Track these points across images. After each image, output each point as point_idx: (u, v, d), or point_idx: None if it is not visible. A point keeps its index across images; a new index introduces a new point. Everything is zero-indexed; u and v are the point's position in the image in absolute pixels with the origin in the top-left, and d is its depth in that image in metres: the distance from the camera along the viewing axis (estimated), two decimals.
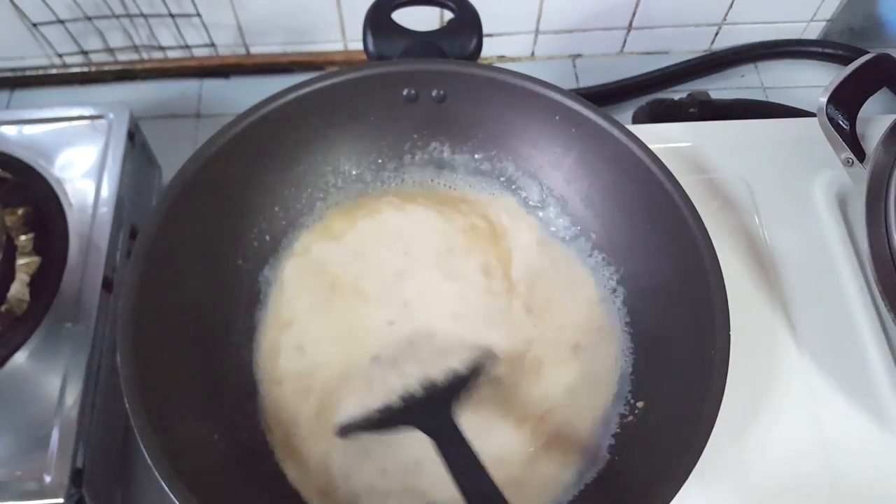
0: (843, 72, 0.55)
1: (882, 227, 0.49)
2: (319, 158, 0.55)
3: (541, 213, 0.57)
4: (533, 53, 0.84)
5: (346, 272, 0.53)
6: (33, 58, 0.75)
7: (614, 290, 0.53)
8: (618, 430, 0.48)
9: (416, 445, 0.45)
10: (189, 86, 0.79)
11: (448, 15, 0.56)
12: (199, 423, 0.44)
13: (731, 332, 0.43)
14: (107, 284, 0.52)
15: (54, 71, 0.77)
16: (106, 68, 0.78)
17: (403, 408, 0.47)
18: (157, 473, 0.37)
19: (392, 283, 0.53)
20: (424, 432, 0.44)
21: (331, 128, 0.54)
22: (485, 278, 0.54)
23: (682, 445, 0.41)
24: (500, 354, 0.51)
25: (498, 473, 0.41)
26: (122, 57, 0.77)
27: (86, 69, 0.77)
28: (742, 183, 0.60)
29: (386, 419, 0.47)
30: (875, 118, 0.58)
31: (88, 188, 0.56)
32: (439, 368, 0.49)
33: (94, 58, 0.76)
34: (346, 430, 0.48)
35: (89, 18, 0.71)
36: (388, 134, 0.56)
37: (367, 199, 0.57)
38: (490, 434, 0.48)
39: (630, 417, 0.48)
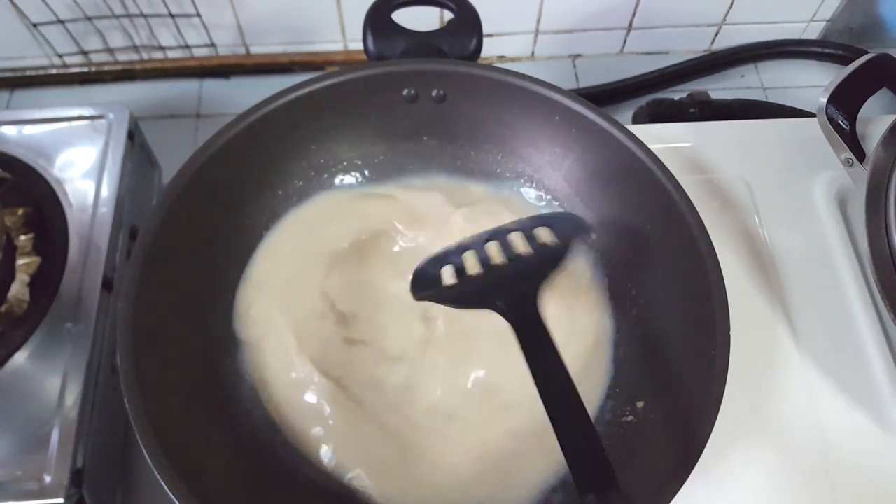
0: (843, 72, 0.55)
1: (882, 227, 0.49)
2: (320, 159, 0.55)
3: None
4: (533, 53, 0.84)
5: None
6: (33, 58, 0.75)
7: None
8: (618, 430, 0.48)
9: None
10: (189, 86, 0.79)
11: (448, 15, 0.56)
12: (199, 422, 0.44)
13: (731, 332, 0.43)
14: (107, 284, 0.52)
15: (54, 71, 0.77)
16: (106, 68, 0.78)
17: (485, 283, 0.43)
18: (157, 474, 0.37)
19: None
20: (507, 320, 0.38)
21: (331, 128, 0.54)
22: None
23: (683, 445, 0.41)
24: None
25: None
26: (122, 57, 0.77)
27: (86, 69, 0.77)
28: (742, 183, 0.60)
29: (464, 295, 0.42)
30: (875, 118, 0.58)
31: (88, 188, 0.56)
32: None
33: (94, 58, 0.76)
34: (422, 292, 0.44)
35: (89, 18, 0.71)
36: (389, 134, 0.56)
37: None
38: None
39: (630, 417, 0.48)
